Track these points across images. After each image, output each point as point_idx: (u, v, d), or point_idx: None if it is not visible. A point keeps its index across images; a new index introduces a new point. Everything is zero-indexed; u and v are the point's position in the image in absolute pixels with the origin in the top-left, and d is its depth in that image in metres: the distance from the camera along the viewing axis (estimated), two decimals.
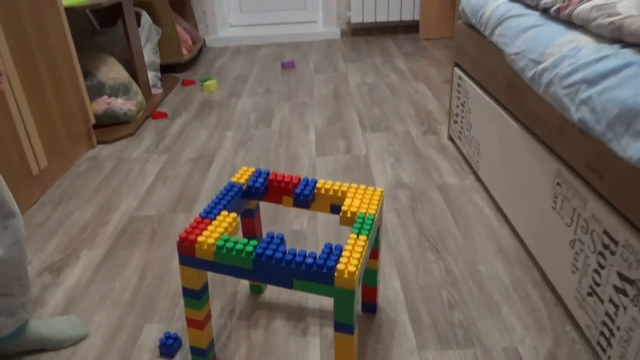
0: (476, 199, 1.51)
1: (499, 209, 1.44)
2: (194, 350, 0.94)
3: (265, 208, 1.51)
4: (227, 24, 3.91)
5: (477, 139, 1.57)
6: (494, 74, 1.36)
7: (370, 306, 1.10)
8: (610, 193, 0.85)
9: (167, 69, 3.04)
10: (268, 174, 1.04)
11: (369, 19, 3.63)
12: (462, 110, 1.70)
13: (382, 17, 3.63)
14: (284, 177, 1.02)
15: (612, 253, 0.86)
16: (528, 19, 1.15)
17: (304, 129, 2.10)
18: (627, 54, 0.79)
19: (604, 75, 0.80)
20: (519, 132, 1.22)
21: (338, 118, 2.21)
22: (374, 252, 1.01)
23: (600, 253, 0.89)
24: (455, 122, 1.80)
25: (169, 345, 1.00)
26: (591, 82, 0.83)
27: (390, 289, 1.17)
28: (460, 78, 1.71)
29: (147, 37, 2.63)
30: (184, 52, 3.09)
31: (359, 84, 2.65)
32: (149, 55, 2.64)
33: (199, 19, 3.71)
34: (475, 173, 1.64)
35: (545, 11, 1.11)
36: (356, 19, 3.63)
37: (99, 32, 2.51)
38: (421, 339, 1.02)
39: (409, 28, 3.72)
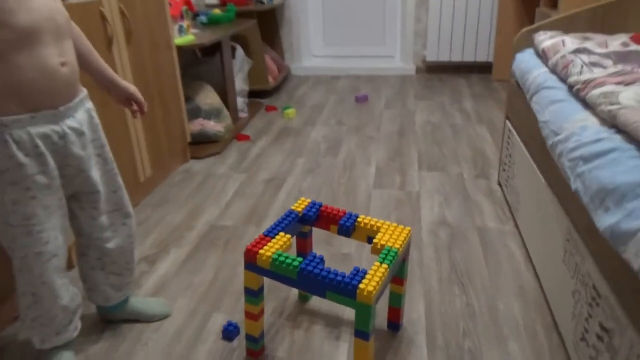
0: (510, 244, 1.66)
1: (528, 256, 1.58)
2: (249, 337, 1.21)
3: (322, 232, 1.76)
4: (311, 54, 4.27)
5: (518, 188, 1.72)
6: (533, 134, 1.53)
7: (394, 325, 1.30)
8: (597, 253, 1.01)
9: (253, 94, 3.42)
10: (321, 205, 1.29)
11: (444, 57, 3.82)
12: (509, 160, 1.86)
13: (456, 57, 3.80)
14: (332, 209, 1.27)
15: (597, 305, 1.01)
16: (557, 93, 1.31)
17: (366, 162, 2.34)
18: (617, 140, 0.96)
19: (596, 155, 0.97)
20: (545, 189, 1.38)
21: (399, 154, 2.42)
22: (399, 279, 1.22)
23: (590, 304, 1.04)
24: (504, 170, 1.95)
25: (230, 331, 1.27)
26: (586, 159, 0.99)
27: (414, 312, 1.37)
28: (510, 131, 1.87)
29: (239, 68, 3.03)
30: (270, 80, 3.47)
31: (425, 122, 2.85)
32: (240, 83, 3.02)
33: (286, 49, 4.09)
34: (514, 220, 1.79)
35: (571, 88, 1.27)
36: (431, 57, 3.83)
37: (200, 62, 2.93)
38: (432, 357, 1.21)
39: (483, 68, 3.85)
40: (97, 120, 1.13)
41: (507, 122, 1.92)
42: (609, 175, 0.90)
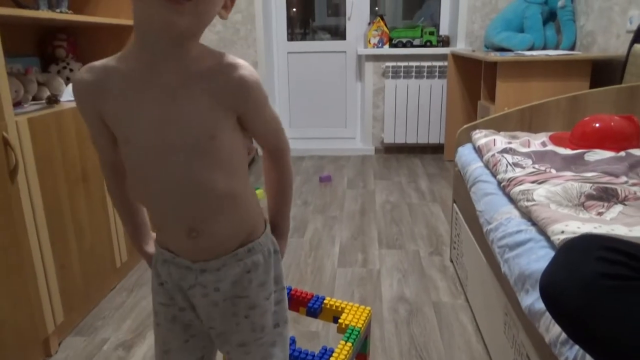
0: (462, 318, 1.83)
1: (478, 328, 1.75)
2: None
3: (291, 313, 1.89)
4: None
5: (466, 265, 1.92)
6: (474, 218, 1.75)
7: None
8: (527, 326, 1.19)
9: None
10: (291, 289, 1.44)
11: (400, 140, 4.17)
12: (458, 239, 2.07)
13: (411, 139, 4.15)
14: (301, 292, 1.42)
15: None
16: (489, 186, 1.56)
17: (331, 241, 2.52)
18: (532, 232, 1.18)
19: (517, 245, 1.18)
20: (487, 268, 1.58)
21: (360, 233, 2.62)
22: (362, 355, 1.36)
23: None
24: (454, 248, 2.16)
25: None
26: (511, 247, 1.21)
27: None
28: (457, 213, 2.10)
29: None
30: None
31: (384, 202, 3.08)
32: None
33: None
34: (465, 294, 1.97)
35: (499, 183, 1.52)
36: (388, 139, 4.18)
37: None
38: None
39: (435, 149, 4.21)
40: (256, 277, 0.89)
41: (454, 204, 2.16)
42: (526, 262, 1.10)
